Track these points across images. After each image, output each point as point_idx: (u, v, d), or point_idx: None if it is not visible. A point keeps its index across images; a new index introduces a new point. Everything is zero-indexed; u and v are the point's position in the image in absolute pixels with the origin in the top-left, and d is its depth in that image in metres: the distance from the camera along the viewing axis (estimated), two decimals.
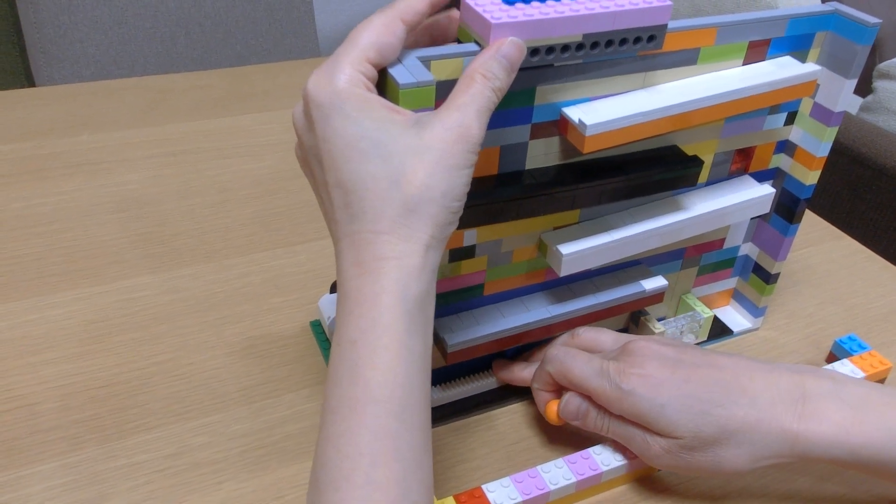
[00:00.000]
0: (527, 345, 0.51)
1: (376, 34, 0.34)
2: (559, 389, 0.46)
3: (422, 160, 0.33)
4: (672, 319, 0.55)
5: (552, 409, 0.46)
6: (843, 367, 0.52)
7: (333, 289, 0.55)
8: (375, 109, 0.33)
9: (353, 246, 0.34)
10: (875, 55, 1.71)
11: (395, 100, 0.34)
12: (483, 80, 0.35)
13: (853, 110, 1.12)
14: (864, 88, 1.12)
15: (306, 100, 0.34)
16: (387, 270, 0.33)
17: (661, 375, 0.42)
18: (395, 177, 0.33)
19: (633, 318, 0.55)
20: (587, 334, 0.49)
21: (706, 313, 0.55)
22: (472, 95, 0.34)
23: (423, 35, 0.39)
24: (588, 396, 0.44)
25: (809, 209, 0.74)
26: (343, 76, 0.33)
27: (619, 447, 0.45)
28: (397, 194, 0.33)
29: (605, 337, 0.48)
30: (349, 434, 0.32)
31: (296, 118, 0.36)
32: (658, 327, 0.53)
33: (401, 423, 0.33)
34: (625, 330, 0.56)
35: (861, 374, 0.52)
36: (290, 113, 0.84)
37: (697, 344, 0.56)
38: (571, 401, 0.45)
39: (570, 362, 0.44)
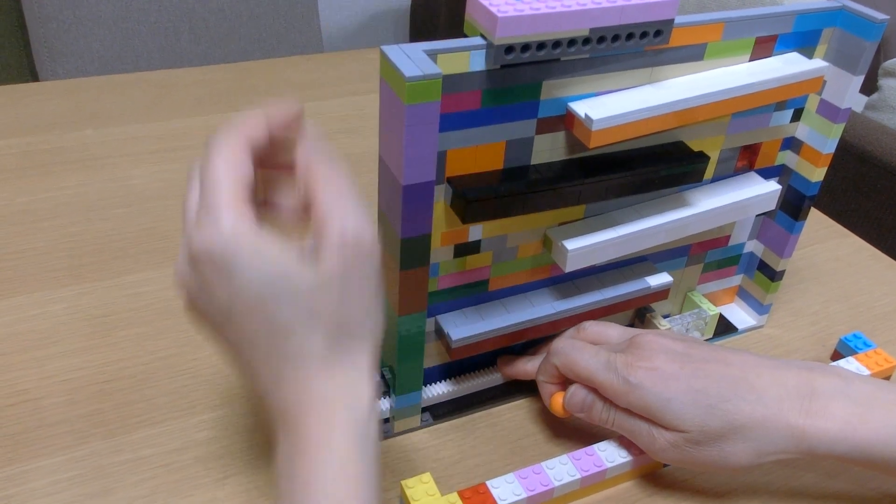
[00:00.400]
0: (531, 341, 0.51)
1: (229, 165, 0.32)
2: (564, 382, 0.46)
3: (329, 296, 0.32)
4: (678, 316, 0.55)
5: (557, 401, 0.46)
6: (849, 364, 0.52)
7: None
8: (269, 252, 0.31)
9: (290, 393, 0.32)
10: (880, 53, 1.70)
11: (401, 93, 0.34)
12: (323, 164, 0.33)
13: (858, 108, 1.12)
14: (869, 86, 1.11)
15: (197, 261, 0.32)
16: (334, 411, 0.32)
17: (669, 369, 0.42)
18: (309, 311, 0.32)
19: (638, 315, 0.55)
20: (593, 328, 0.48)
21: (712, 311, 0.55)
22: (325, 190, 0.33)
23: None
24: (594, 389, 0.44)
25: (815, 207, 0.74)
26: (227, 221, 0.31)
27: (623, 443, 0.45)
28: (318, 335, 0.32)
29: (611, 331, 0.48)
30: None
31: (182, 281, 0.33)
32: (664, 324, 0.53)
33: None
34: (630, 326, 0.55)
35: (866, 372, 0.52)
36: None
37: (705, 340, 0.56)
38: (577, 393, 0.45)
39: (576, 355, 0.44)
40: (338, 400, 0.33)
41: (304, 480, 0.32)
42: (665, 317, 0.54)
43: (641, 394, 0.42)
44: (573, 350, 0.45)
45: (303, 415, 0.32)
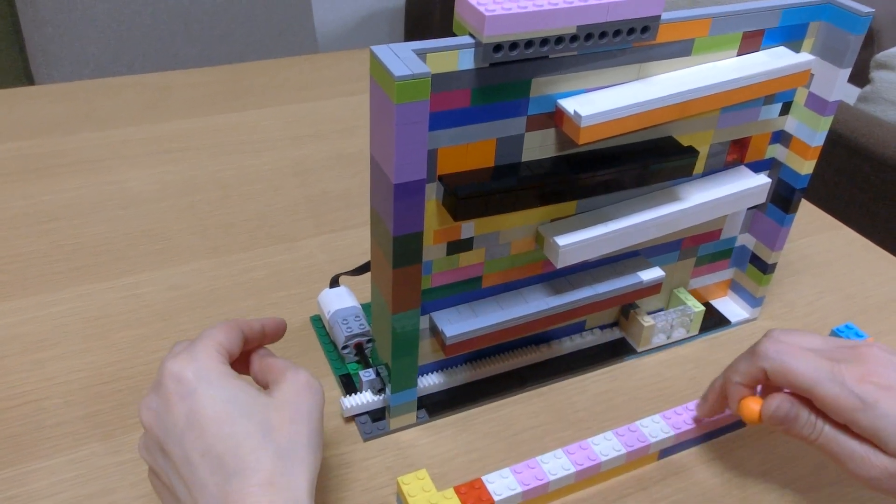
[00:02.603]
0: (525, 338, 0.51)
1: (222, 331, 0.39)
2: (755, 386, 0.43)
3: (281, 413, 0.36)
4: (662, 313, 0.55)
5: (751, 407, 0.42)
6: None
7: (333, 283, 0.56)
8: (233, 379, 0.37)
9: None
10: (873, 45, 1.70)
11: (390, 92, 0.35)
12: (273, 358, 0.41)
13: (851, 101, 1.12)
14: (861, 79, 1.12)
15: (167, 381, 0.36)
16: None
17: None
18: (263, 430, 0.35)
19: (622, 311, 0.55)
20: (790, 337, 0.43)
21: (697, 307, 0.55)
22: (288, 363, 0.40)
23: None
24: (798, 399, 0.41)
25: (807, 199, 0.74)
26: (202, 355, 0.37)
27: (617, 437, 0.46)
28: (271, 444, 0.35)
29: (807, 339, 0.43)
30: None
31: (148, 406, 0.37)
32: (648, 321, 0.53)
33: None
34: (614, 324, 0.56)
35: None
36: (289, 110, 0.84)
37: (688, 338, 0.56)
38: (782, 405, 0.40)
39: (793, 361, 0.40)
40: None
41: None
42: (650, 313, 0.55)
43: (876, 414, 0.38)
44: (788, 355, 0.40)
45: None
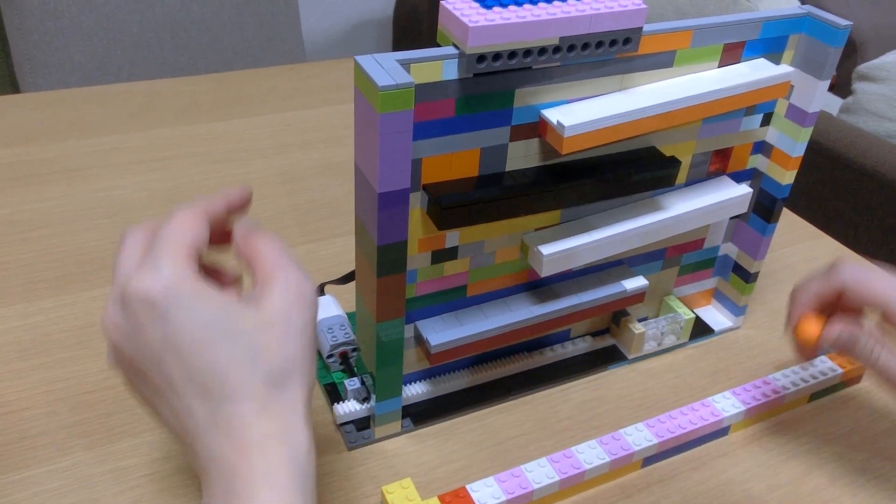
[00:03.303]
0: (510, 347, 0.52)
1: (187, 228, 0.34)
2: (822, 308, 0.45)
3: (272, 334, 0.33)
4: (653, 321, 0.55)
5: (811, 328, 0.44)
6: (822, 363, 0.53)
7: (318, 292, 0.56)
8: (209, 296, 0.32)
9: (228, 433, 0.32)
10: (855, 57, 1.73)
11: (374, 102, 0.35)
12: (256, 238, 0.36)
13: (833, 112, 1.14)
14: (843, 90, 1.13)
15: (131, 302, 0.32)
16: (274, 450, 0.32)
17: None
18: (250, 356, 0.32)
19: (614, 319, 0.56)
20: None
21: (687, 315, 0.55)
22: (266, 255, 0.35)
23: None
24: (857, 326, 0.43)
25: (789, 209, 0.75)
26: (167, 270, 0.32)
27: (602, 445, 0.46)
28: (259, 372, 0.32)
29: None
30: None
31: (115, 322, 0.33)
32: (639, 328, 0.54)
33: None
34: (605, 331, 0.56)
35: (839, 371, 0.53)
36: (277, 118, 0.85)
37: (679, 345, 0.57)
38: (845, 328, 0.43)
39: (872, 276, 0.43)
40: (276, 440, 0.32)
41: None
42: (640, 320, 0.55)
43: None
44: (867, 272, 0.43)
45: (240, 459, 0.31)
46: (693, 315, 0.56)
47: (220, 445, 0.32)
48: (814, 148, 0.97)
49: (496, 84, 0.40)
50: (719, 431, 0.50)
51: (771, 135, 0.52)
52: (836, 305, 0.45)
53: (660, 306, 0.57)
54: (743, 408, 0.49)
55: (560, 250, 0.45)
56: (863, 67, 1.10)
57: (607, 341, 0.56)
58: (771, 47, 0.47)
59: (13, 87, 1.14)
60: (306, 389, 0.34)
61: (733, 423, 0.50)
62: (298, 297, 0.34)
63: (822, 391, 0.53)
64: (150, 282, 0.32)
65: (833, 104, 1.19)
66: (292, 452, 0.32)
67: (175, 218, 0.34)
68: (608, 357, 0.55)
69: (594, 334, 0.56)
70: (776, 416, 0.52)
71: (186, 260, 0.33)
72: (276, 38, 1.26)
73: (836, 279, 0.44)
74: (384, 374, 0.45)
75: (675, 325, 0.55)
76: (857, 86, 1.10)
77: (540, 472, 0.44)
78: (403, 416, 0.49)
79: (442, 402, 0.51)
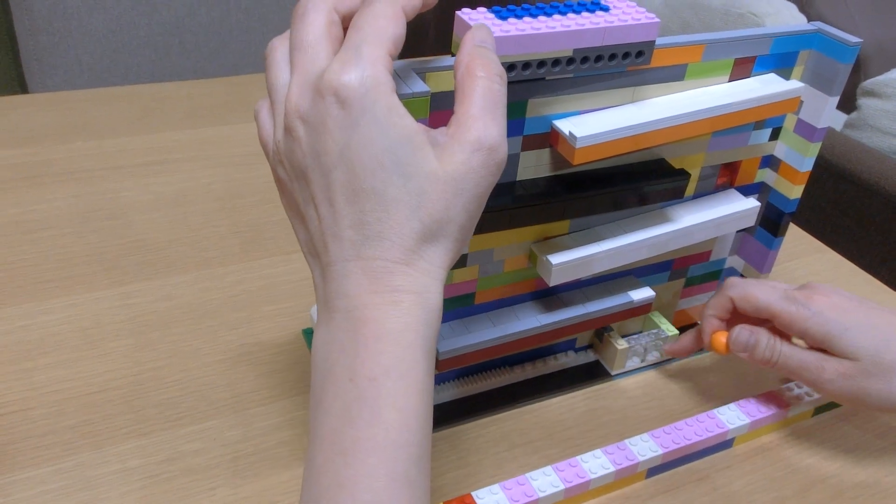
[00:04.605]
0: (517, 354, 0.52)
1: (390, 23, 0.31)
2: (729, 321, 0.50)
3: (442, 190, 0.30)
4: (636, 336, 0.55)
5: (719, 339, 0.49)
6: None
7: None
8: (400, 118, 0.30)
9: (367, 272, 0.31)
10: (860, 73, 1.73)
11: None
12: (485, 72, 0.32)
13: (838, 127, 1.14)
14: (848, 105, 1.14)
15: (325, 94, 0.30)
16: (408, 306, 0.31)
17: (848, 304, 0.46)
18: (414, 203, 0.30)
19: (597, 334, 0.55)
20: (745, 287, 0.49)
21: (671, 331, 0.55)
22: (482, 96, 0.31)
23: None
24: (758, 329, 0.47)
25: (794, 222, 0.75)
26: (372, 71, 0.30)
27: (607, 455, 0.46)
28: (416, 223, 0.31)
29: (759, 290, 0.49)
30: (366, 480, 0.29)
31: (299, 108, 0.31)
32: (622, 343, 0.54)
33: (418, 470, 0.30)
34: (589, 347, 0.56)
35: None
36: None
37: (665, 361, 0.57)
38: (742, 332, 0.48)
39: (754, 287, 0.48)
40: (413, 296, 0.31)
41: (367, 372, 0.30)
42: (624, 336, 0.55)
43: (820, 320, 0.45)
44: (750, 284, 0.48)
45: (373, 304, 0.30)
46: (676, 332, 0.55)
47: (356, 283, 0.31)
48: (818, 163, 0.97)
49: (509, 94, 0.40)
50: (724, 443, 0.50)
51: (779, 149, 0.52)
52: (741, 318, 0.49)
53: (644, 320, 0.56)
54: (748, 420, 0.49)
55: (569, 260, 0.46)
56: (868, 83, 1.11)
57: (589, 356, 0.55)
58: (781, 63, 0.48)
59: (22, 87, 1.15)
60: (453, 255, 0.32)
61: (738, 435, 0.50)
62: (484, 161, 0.31)
63: (827, 405, 0.53)
64: (352, 77, 0.29)
65: (838, 119, 1.19)
66: (424, 314, 0.31)
67: (376, 8, 0.31)
68: (594, 373, 0.55)
69: (577, 349, 0.55)
70: (781, 429, 0.52)
71: (388, 59, 0.30)
72: None
73: (725, 295, 0.49)
74: None
75: (658, 340, 0.55)
76: (862, 101, 1.11)
77: (545, 481, 0.44)
78: None
79: (448, 409, 0.51)
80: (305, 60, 0.31)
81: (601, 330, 0.55)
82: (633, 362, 0.55)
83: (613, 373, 0.55)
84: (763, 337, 0.47)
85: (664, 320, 0.56)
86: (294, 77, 0.31)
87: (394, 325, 0.30)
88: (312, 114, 0.31)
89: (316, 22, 0.32)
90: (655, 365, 0.56)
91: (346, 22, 0.33)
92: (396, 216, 0.30)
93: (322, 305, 0.33)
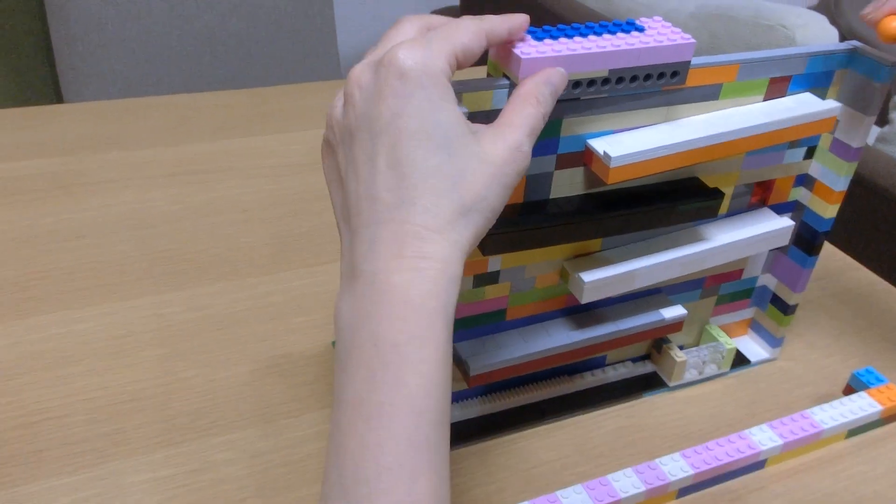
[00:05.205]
0: (546, 371, 0.52)
1: (469, 37, 0.34)
2: None
3: (482, 170, 0.33)
4: (695, 349, 0.55)
5: (892, 24, 0.43)
6: (861, 399, 0.53)
7: None
8: (452, 103, 0.33)
9: (398, 236, 0.32)
10: (892, 86, 1.71)
11: None
12: (537, 104, 0.35)
13: (870, 140, 1.13)
14: (880, 119, 1.12)
15: (389, 66, 0.32)
16: (433, 273, 0.32)
17: None
18: (455, 177, 0.32)
19: (655, 345, 0.55)
20: None
21: (729, 344, 0.55)
22: (526, 117, 0.35)
23: None
24: None
25: (826, 240, 0.74)
26: (437, 60, 0.33)
27: (639, 475, 0.46)
28: (455, 196, 0.32)
29: None
30: (389, 444, 0.30)
31: (360, 80, 0.34)
32: (680, 356, 0.54)
33: (438, 435, 0.31)
34: (646, 357, 0.56)
35: (878, 408, 0.52)
36: (312, 135, 0.86)
37: (719, 374, 0.57)
38: None
39: None
40: (439, 264, 0.32)
41: (390, 338, 0.31)
42: (681, 348, 0.55)
43: None
44: None
45: (398, 269, 0.32)
46: (734, 345, 0.55)
47: (384, 247, 0.32)
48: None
49: None
50: (756, 465, 0.49)
51: (814, 168, 0.52)
52: None
53: (700, 335, 0.57)
54: (780, 441, 0.49)
55: (601, 278, 0.46)
56: None
57: (647, 367, 0.56)
58: (817, 82, 0.47)
59: (57, 97, 1.17)
60: (479, 232, 0.34)
61: (770, 456, 0.49)
62: (515, 158, 0.34)
63: (861, 427, 0.52)
64: (414, 55, 0.32)
65: (870, 133, 1.18)
66: (446, 283, 0.32)
67: (463, 21, 0.34)
68: (646, 384, 0.55)
69: (634, 360, 0.56)
70: (813, 451, 0.51)
71: (452, 57, 0.33)
72: (311, 54, 1.28)
73: None
74: None
75: (717, 354, 0.55)
76: (894, 115, 1.09)
77: (575, 499, 0.44)
78: None
79: (477, 424, 0.51)
80: (380, 48, 0.35)
81: (659, 341, 0.55)
82: (691, 374, 0.55)
83: (671, 384, 0.55)
84: None
85: (722, 333, 0.56)
86: (366, 59, 0.35)
87: (417, 291, 0.31)
88: (372, 81, 0.33)
89: (404, 31, 0.35)
90: (710, 378, 0.56)
91: None
92: (436, 186, 0.32)
93: (347, 272, 0.34)
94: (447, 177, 0.32)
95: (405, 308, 0.31)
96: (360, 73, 0.34)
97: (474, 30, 0.34)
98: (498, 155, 0.33)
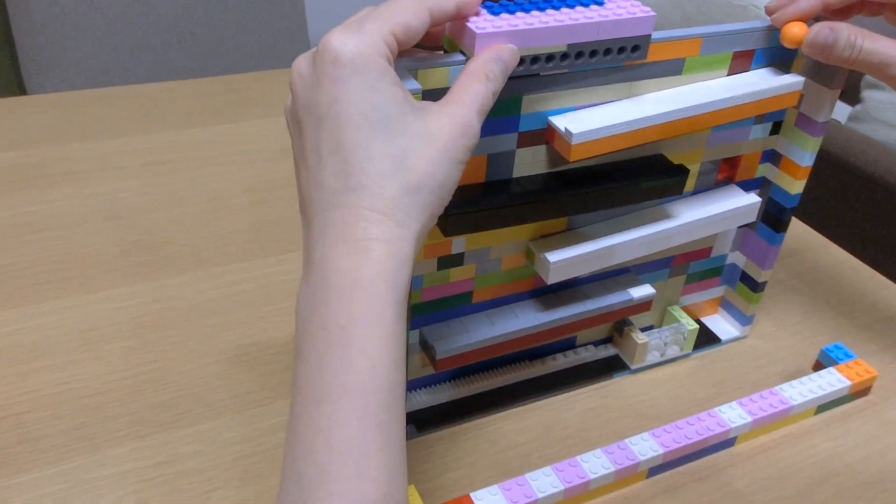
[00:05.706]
0: (515, 354, 0.51)
1: (406, 14, 0.34)
2: (807, 18, 0.45)
3: (426, 147, 0.33)
4: (656, 330, 0.55)
5: (793, 30, 0.44)
6: (829, 375, 0.53)
7: None
8: (391, 84, 0.33)
9: (345, 221, 0.32)
10: None
11: None
12: (486, 81, 0.35)
13: (842, 119, 1.13)
14: (852, 98, 1.13)
15: (324, 54, 0.33)
16: (380, 255, 0.32)
17: None
18: (399, 158, 0.32)
19: (616, 328, 0.55)
20: None
21: (691, 325, 0.55)
22: (475, 94, 0.35)
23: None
24: (838, 25, 0.43)
25: (797, 218, 0.74)
26: (369, 41, 0.32)
27: (608, 456, 0.46)
28: (400, 176, 0.32)
29: None
30: (339, 425, 0.31)
31: (300, 70, 0.34)
32: (642, 338, 0.53)
33: (389, 414, 0.31)
34: (608, 340, 0.56)
35: (847, 383, 0.52)
36: (281, 122, 0.84)
37: (682, 356, 0.56)
38: (821, 31, 0.43)
39: None
40: (387, 246, 0.32)
41: (338, 320, 0.31)
42: (644, 329, 0.55)
43: None
44: None
45: (346, 253, 0.32)
46: (696, 326, 0.55)
47: (333, 233, 0.32)
48: (821, 156, 0.96)
49: (503, 90, 0.39)
50: (726, 442, 0.49)
51: (780, 144, 0.51)
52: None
53: (663, 316, 0.57)
54: (750, 419, 0.49)
55: (567, 258, 0.45)
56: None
57: (610, 350, 0.55)
58: (780, 56, 0.47)
59: (20, 89, 1.14)
60: (431, 212, 0.34)
61: (740, 433, 0.49)
62: (464, 132, 0.34)
63: (830, 403, 0.53)
64: (346, 40, 0.32)
65: (841, 112, 1.18)
66: (394, 264, 0.32)
67: (400, 2, 0.34)
68: (612, 366, 0.55)
69: (596, 343, 0.55)
70: (783, 427, 0.51)
71: (389, 37, 0.33)
72: (281, 41, 1.26)
73: None
74: None
75: (679, 335, 0.55)
76: (866, 93, 1.10)
77: (545, 482, 0.44)
78: (407, 423, 0.49)
79: (446, 409, 0.50)
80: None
81: (621, 323, 0.54)
82: (653, 356, 0.55)
83: (633, 367, 0.54)
84: (842, 34, 0.43)
85: (683, 314, 0.55)
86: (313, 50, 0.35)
87: (365, 273, 0.32)
88: (311, 73, 0.33)
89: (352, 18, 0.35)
90: (674, 359, 0.56)
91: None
92: (379, 167, 0.32)
93: (305, 261, 0.34)
94: (390, 157, 0.32)
95: (353, 291, 0.32)
96: (300, 63, 0.34)
97: (415, 7, 0.34)
98: (445, 131, 0.33)
